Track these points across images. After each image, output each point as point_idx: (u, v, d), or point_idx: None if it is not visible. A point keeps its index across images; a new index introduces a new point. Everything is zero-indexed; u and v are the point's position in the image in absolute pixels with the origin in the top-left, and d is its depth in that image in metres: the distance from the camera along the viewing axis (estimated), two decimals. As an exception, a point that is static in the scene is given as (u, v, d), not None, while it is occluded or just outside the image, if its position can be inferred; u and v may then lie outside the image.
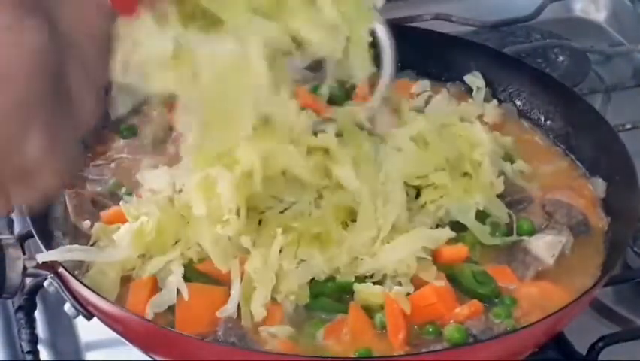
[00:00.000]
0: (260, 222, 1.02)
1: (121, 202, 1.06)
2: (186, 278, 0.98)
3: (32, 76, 0.54)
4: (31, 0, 0.55)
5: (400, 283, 0.98)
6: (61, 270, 0.96)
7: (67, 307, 0.99)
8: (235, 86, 0.88)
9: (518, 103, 1.31)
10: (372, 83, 1.12)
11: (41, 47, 0.54)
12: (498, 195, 1.11)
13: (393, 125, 1.11)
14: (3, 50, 0.53)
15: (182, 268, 0.98)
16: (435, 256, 1.02)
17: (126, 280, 0.99)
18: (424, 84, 1.32)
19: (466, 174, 1.10)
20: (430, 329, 0.96)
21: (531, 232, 1.08)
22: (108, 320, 0.97)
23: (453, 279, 1.00)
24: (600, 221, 1.13)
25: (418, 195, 1.08)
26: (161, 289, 0.97)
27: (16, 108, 0.54)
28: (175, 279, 0.97)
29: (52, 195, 0.59)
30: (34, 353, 1.02)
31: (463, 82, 1.33)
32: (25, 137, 0.55)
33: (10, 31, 0.53)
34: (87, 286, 0.94)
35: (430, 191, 1.07)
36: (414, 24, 1.51)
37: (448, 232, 1.03)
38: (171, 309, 0.96)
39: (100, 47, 0.61)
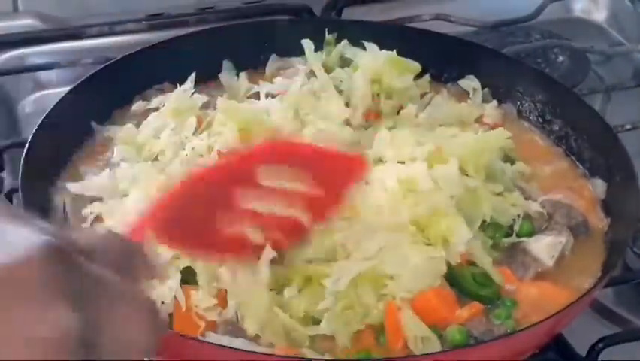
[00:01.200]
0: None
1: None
2: (184, 280, 0.97)
3: None
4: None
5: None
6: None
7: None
8: None
9: (518, 103, 1.31)
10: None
11: None
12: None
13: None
14: None
15: (179, 274, 0.97)
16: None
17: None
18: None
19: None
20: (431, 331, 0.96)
21: (531, 233, 1.08)
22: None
23: (453, 281, 1.00)
24: (600, 222, 1.13)
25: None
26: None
27: None
28: (173, 285, 0.96)
29: None
30: (34, 354, 1.02)
31: (464, 82, 1.33)
32: None
33: None
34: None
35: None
36: (413, 24, 1.51)
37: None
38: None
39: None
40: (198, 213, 0.85)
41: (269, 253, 0.96)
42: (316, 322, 0.95)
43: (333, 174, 0.92)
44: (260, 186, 0.88)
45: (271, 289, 0.96)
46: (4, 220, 0.54)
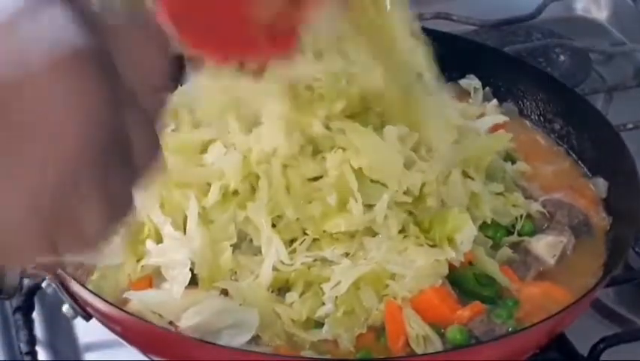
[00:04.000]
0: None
1: None
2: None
3: (90, 135, 0.50)
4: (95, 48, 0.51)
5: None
6: (59, 271, 0.96)
7: (66, 308, 0.98)
8: None
9: (519, 103, 1.31)
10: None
11: (103, 102, 0.51)
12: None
13: None
14: (59, 102, 0.49)
15: (190, 273, 0.96)
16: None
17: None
18: (425, 84, 1.31)
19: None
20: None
21: (532, 233, 1.08)
22: (107, 321, 0.96)
23: (454, 281, 0.99)
24: (602, 221, 1.13)
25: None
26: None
27: (70, 173, 0.50)
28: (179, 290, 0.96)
29: (102, 245, 0.54)
30: (33, 353, 1.01)
31: (464, 81, 1.33)
32: (79, 204, 0.51)
33: (69, 79, 0.50)
34: (85, 287, 0.93)
35: None
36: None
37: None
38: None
39: (156, 94, 0.56)
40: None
41: (272, 256, 0.96)
42: (318, 325, 0.95)
43: None
44: None
45: (272, 291, 0.96)
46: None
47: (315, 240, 0.98)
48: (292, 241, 0.98)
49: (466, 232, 0.99)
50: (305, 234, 0.98)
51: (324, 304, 0.94)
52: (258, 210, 0.97)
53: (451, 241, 0.99)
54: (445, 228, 0.99)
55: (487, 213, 1.05)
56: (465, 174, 1.06)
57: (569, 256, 1.07)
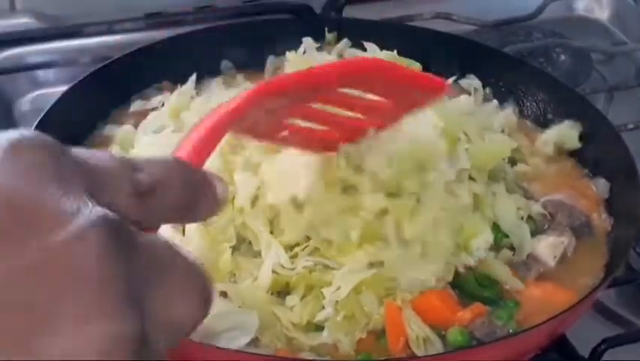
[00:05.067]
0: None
1: None
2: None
3: None
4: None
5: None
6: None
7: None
8: None
9: (519, 103, 1.30)
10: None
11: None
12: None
13: None
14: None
15: None
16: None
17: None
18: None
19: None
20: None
21: (533, 234, 1.07)
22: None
23: (455, 282, 0.99)
24: (603, 222, 1.12)
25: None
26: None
27: None
28: None
29: None
30: (31, 355, 1.01)
31: (464, 82, 1.32)
32: None
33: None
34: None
35: None
36: (414, 23, 1.51)
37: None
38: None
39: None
40: (270, 117, 0.82)
41: (271, 258, 0.95)
42: (318, 328, 0.94)
43: (407, 90, 0.90)
44: (335, 94, 0.84)
45: (272, 294, 0.96)
46: (46, 180, 0.42)
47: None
48: (293, 246, 0.97)
49: (483, 238, 0.99)
50: (307, 238, 0.97)
51: (324, 308, 0.94)
52: (255, 217, 0.97)
53: (466, 247, 0.99)
54: (460, 234, 0.99)
55: (490, 216, 1.04)
56: (468, 176, 1.06)
57: (569, 257, 1.07)
